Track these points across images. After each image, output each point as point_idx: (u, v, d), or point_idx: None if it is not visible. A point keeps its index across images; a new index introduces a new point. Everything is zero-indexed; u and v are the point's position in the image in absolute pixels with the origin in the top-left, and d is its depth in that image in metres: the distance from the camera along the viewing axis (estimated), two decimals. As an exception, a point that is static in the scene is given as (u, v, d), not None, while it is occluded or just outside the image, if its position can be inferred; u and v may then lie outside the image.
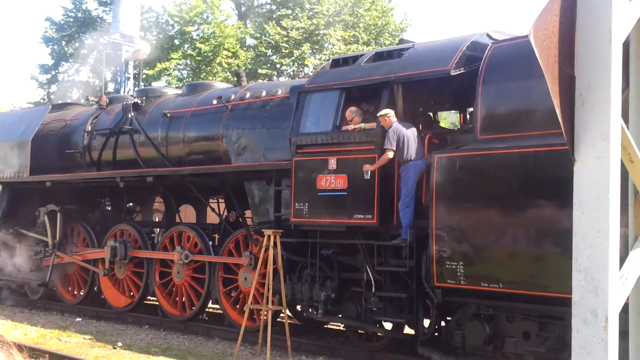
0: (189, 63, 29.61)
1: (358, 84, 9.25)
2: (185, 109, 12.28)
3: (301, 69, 28.55)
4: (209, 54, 27.75)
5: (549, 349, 7.52)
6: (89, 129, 13.92)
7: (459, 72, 8.36)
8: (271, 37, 27.47)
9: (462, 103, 8.73)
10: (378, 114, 8.71)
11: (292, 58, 27.56)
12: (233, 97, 11.54)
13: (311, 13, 27.81)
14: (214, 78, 26.79)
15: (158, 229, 13.53)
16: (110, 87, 29.59)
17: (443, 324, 8.84)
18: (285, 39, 26.94)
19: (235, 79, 13.60)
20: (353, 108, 9.17)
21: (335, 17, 27.43)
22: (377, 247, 8.93)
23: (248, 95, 11.34)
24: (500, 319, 8.02)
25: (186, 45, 28.96)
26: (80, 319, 12.71)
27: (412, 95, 8.86)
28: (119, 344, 10.33)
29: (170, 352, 9.89)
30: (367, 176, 8.73)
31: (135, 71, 22.44)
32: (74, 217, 14.11)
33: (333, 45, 27.35)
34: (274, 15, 28.73)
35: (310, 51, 27.61)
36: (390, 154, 8.53)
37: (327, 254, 9.43)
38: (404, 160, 8.52)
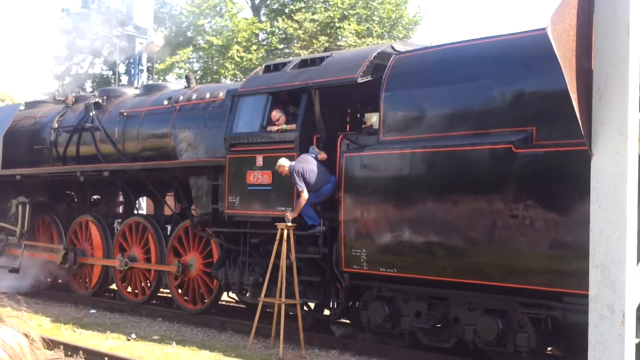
0: (201, 55, 29.55)
1: (282, 89, 10.23)
2: (140, 108, 13.27)
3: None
4: (221, 48, 27.49)
5: (433, 326, 8.54)
6: (56, 126, 14.91)
7: (366, 80, 9.33)
8: (283, 30, 27.45)
9: (370, 107, 9.67)
10: (277, 166, 9.58)
11: (310, 50, 27.09)
12: (181, 98, 12.53)
13: (326, 5, 27.65)
14: (225, 72, 26.99)
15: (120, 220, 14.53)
16: (124, 80, 29.51)
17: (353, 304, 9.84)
18: (299, 31, 26.83)
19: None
20: (278, 110, 10.15)
21: (350, 10, 27.30)
22: (297, 236, 9.91)
23: (194, 96, 12.33)
24: (398, 300, 9.03)
25: (199, 38, 28.77)
26: (94, 311, 12.78)
27: (327, 99, 9.82)
28: (133, 335, 10.32)
29: (183, 344, 9.86)
30: (289, 222, 9.54)
31: (148, 64, 22.67)
32: (43, 208, 15.11)
33: (347, 38, 27.30)
34: (286, 9, 28.72)
35: (327, 44, 27.25)
36: (305, 194, 9.42)
37: (255, 242, 10.42)
38: (315, 190, 9.44)
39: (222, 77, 26.26)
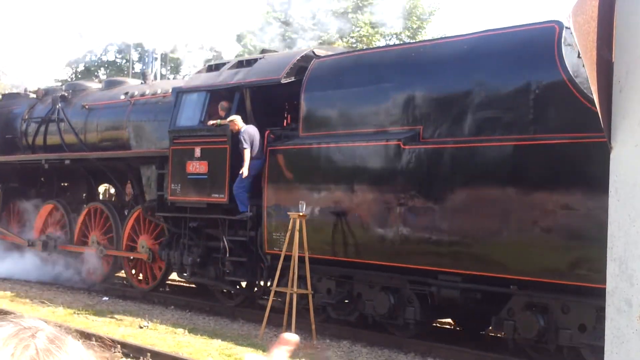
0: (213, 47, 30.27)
1: (219, 87, 11.26)
2: (101, 102, 14.31)
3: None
4: (235, 37, 27.88)
5: (339, 301, 9.60)
6: (26, 117, 15.95)
7: (289, 81, 10.35)
8: (297, 21, 27.46)
9: (293, 106, 10.67)
10: (227, 119, 10.65)
11: (320, 41, 27.15)
12: (136, 93, 13.56)
13: None
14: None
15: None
16: (137, 67, 28.71)
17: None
18: (313, 21, 26.93)
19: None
20: (224, 103, 11.13)
21: (364, 1, 27.39)
22: (229, 221, 10.96)
23: (147, 91, 13.37)
24: (313, 279, 10.07)
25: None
26: (107, 298, 12.77)
27: (257, 97, 10.85)
28: (145, 323, 10.35)
29: (195, 332, 9.91)
30: (245, 175, 10.53)
31: (162, 53, 22.75)
32: (15, 194, 16.15)
33: (360, 28, 27.42)
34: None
35: (338, 35, 27.45)
36: (248, 152, 10.46)
37: (193, 226, 11.48)
38: (251, 157, 10.48)
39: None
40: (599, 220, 6.85)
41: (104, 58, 34.06)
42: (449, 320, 10.40)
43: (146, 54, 23.14)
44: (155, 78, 24.93)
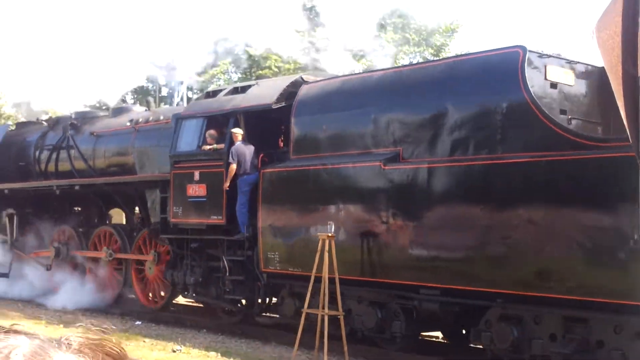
0: (239, 66, 29.93)
1: (214, 114, 11.79)
2: (108, 129, 14.92)
3: (351, 71, 28.73)
4: (259, 58, 27.52)
5: (331, 317, 10.02)
6: (38, 145, 16.62)
7: (280, 106, 10.85)
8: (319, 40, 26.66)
9: (284, 129, 11.17)
10: (231, 130, 11.18)
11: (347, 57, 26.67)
12: (141, 119, 14.15)
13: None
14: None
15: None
16: (164, 91, 28.90)
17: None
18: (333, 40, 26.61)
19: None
20: (212, 131, 11.69)
21: (388, 20, 27.34)
22: (228, 241, 11.45)
23: (151, 118, 13.95)
24: (305, 295, 10.52)
25: (237, 49, 28.34)
26: (140, 322, 12.81)
27: (250, 122, 11.36)
28: (178, 347, 10.41)
29: (228, 355, 9.91)
30: (227, 188, 11.15)
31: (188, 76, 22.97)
32: (30, 219, 16.80)
33: (383, 47, 27.03)
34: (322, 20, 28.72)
35: (360, 53, 27.18)
36: (234, 166, 11.00)
37: (194, 246, 11.99)
38: (240, 174, 11.03)
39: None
40: (562, 234, 7.27)
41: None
42: (438, 333, 10.78)
43: (172, 78, 23.62)
44: (182, 101, 25.50)
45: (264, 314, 11.82)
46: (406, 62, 29.02)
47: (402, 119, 9.17)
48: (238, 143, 11.13)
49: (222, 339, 11.22)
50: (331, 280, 9.90)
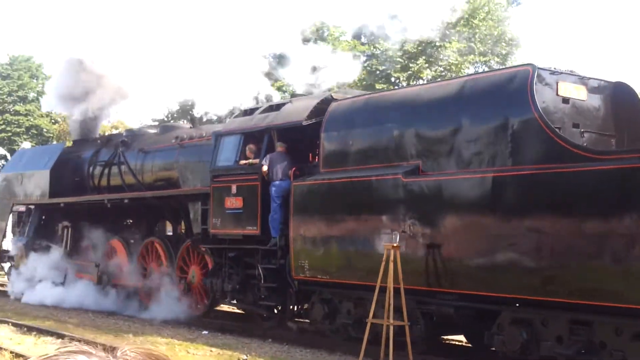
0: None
1: (251, 130, 12.54)
2: (155, 145, 15.86)
3: (416, 82, 27.95)
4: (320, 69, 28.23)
5: (356, 320, 10.60)
6: (92, 161, 17.69)
7: (310, 123, 11.52)
8: (383, 52, 27.64)
9: (315, 144, 11.81)
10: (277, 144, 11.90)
11: (408, 72, 27.53)
12: (185, 136, 15.03)
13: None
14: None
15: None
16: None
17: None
18: (399, 53, 27.15)
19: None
20: (251, 146, 12.43)
21: (451, 29, 27.38)
22: (262, 250, 12.13)
23: (194, 135, 14.81)
24: (334, 301, 11.12)
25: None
26: (206, 332, 12.95)
27: (283, 138, 12.06)
28: (244, 357, 10.49)
29: None
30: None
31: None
32: (83, 231, 17.83)
33: (448, 56, 27.42)
34: (386, 31, 29.98)
35: (426, 64, 27.64)
36: (264, 168, 11.75)
37: (232, 255, 12.72)
38: (272, 179, 11.71)
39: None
40: (564, 241, 7.74)
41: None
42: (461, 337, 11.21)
43: None
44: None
45: (296, 319, 12.40)
46: (471, 71, 28.72)
47: (421, 134, 9.73)
48: (275, 152, 11.83)
49: (287, 349, 11.32)
50: (358, 287, 10.48)
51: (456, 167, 9.20)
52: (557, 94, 8.97)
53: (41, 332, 12.76)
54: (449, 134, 9.38)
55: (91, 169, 17.67)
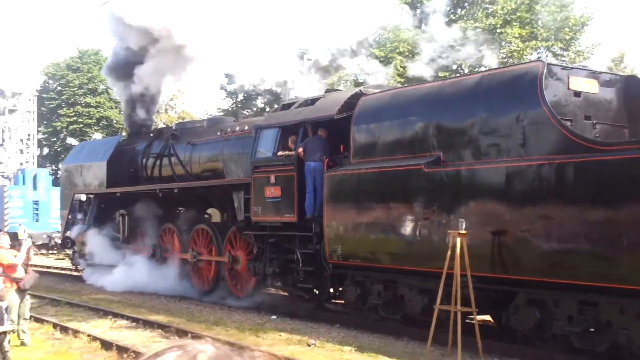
0: (363, 69, 29.22)
1: (288, 124, 13.32)
2: (202, 138, 16.81)
3: (479, 70, 27.74)
4: (383, 59, 27.26)
5: (387, 302, 11.33)
6: (145, 153, 18.79)
7: (341, 116, 12.22)
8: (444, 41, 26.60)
9: (346, 137, 12.49)
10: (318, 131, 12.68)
11: (473, 60, 26.72)
12: (229, 130, 15.91)
13: (488, 12, 27.61)
14: (387, 82, 26.82)
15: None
16: (292, 94, 30.59)
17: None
18: (460, 41, 26.56)
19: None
20: (293, 137, 13.19)
21: (512, 15, 27.15)
22: (300, 236, 12.93)
23: (237, 128, 15.68)
24: (366, 284, 11.87)
25: (362, 51, 28.42)
26: (275, 317, 13.23)
27: (317, 130, 12.79)
28: (313, 341, 10.73)
29: (362, 350, 10.16)
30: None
31: (317, 78, 23.01)
32: (139, 219, 18.98)
33: (510, 43, 27.22)
34: (447, 19, 28.48)
35: (488, 52, 26.73)
36: (300, 149, 12.55)
37: (272, 241, 13.57)
38: (305, 160, 12.47)
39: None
40: (571, 227, 8.30)
41: (261, 87, 35.98)
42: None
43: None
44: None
45: (332, 300, 13.20)
46: (534, 57, 28.41)
47: (441, 126, 10.34)
48: (313, 137, 12.57)
49: (355, 334, 11.47)
50: (387, 270, 11.19)
51: (474, 158, 9.78)
52: (569, 88, 9.45)
53: (116, 315, 13.56)
54: (467, 126, 9.96)
55: (144, 160, 18.78)
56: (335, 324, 12.22)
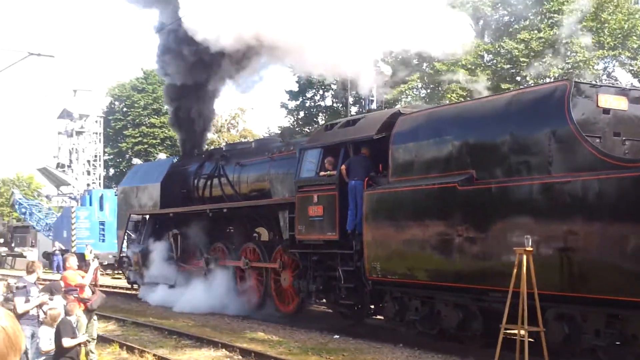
0: (427, 82, 30.07)
1: (329, 144, 13.78)
2: (250, 159, 17.43)
3: (543, 80, 27.67)
4: (446, 73, 27.33)
5: (423, 317, 11.60)
6: (197, 174, 19.51)
7: (380, 136, 12.62)
8: (508, 50, 27.32)
9: (385, 155, 12.86)
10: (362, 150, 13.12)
11: (536, 70, 26.95)
12: (276, 150, 16.48)
13: (551, 22, 27.38)
14: (451, 96, 27.33)
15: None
16: (353, 110, 29.54)
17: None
18: (524, 52, 26.88)
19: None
20: (330, 159, 13.67)
21: (577, 24, 26.55)
22: (341, 254, 13.33)
23: (283, 149, 16.23)
24: (404, 299, 12.16)
25: (424, 65, 29.09)
26: (338, 336, 13.22)
27: (358, 151, 13.21)
28: None
29: None
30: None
31: (377, 93, 23.27)
32: (190, 238, 19.67)
33: (576, 53, 26.98)
34: (510, 29, 28.63)
35: (553, 62, 26.87)
36: (343, 167, 13.01)
37: (315, 259, 13.99)
38: (348, 179, 12.89)
39: (447, 102, 25.72)
40: (598, 242, 8.50)
41: (322, 104, 35.92)
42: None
43: (362, 97, 24.67)
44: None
45: (372, 316, 13.51)
46: (600, 67, 28.38)
47: (474, 145, 10.63)
48: (356, 156, 13.00)
49: (419, 354, 11.41)
50: (423, 286, 11.47)
51: (504, 175, 10.04)
52: (597, 106, 9.65)
53: (181, 335, 13.77)
54: (498, 145, 10.24)
55: (196, 181, 19.50)
56: (398, 343, 12.10)
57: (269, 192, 16.34)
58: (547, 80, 27.49)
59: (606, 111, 9.74)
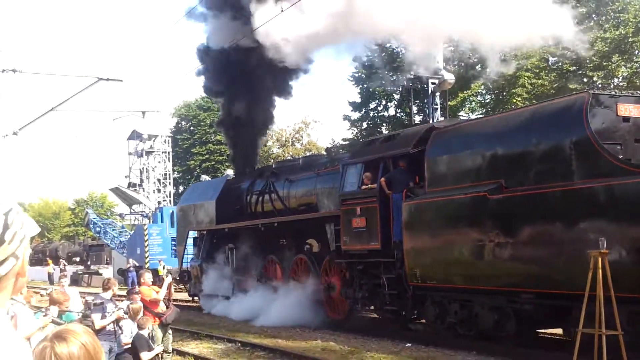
0: (491, 87, 29.90)
1: (370, 159, 14.58)
2: (298, 175, 18.36)
3: (611, 81, 27.69)
4: (511, 77, 27.15)
5: (463, 320, 12.24)
6: (249, 190, 20.55)
7: (416, 151, 13.36)
8: (574, 52, 26.47)
9: (421, 168, 13.57)
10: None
11: (603, 71, 26.65)
12: (321, 167, 17.36)
13: (617, 22, 27.01)
14: (516, 100, 27.21)
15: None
16: (417, 119, 29.45)
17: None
18: (590, 52, 26.22)
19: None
20: (368, 174, 14.46)
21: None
22: (384, 262, 14.07)
23: (328, 165, 17.10)
24: (444, 303, 12.83)
25: (487, 71, 28.51)
26: (410, 345, 13.17)
27: (396, 164, 13.98)
28: None
29: None
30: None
31: (440, 101, 23.41)
32: (245, 251, 20.66)
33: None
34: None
35: (622, 62, 26.65)
36: (383, 180, 13.78)
37: (360, 268, 14.77)
38: (390, 192, 13.65)
39: (512, 106, 25.44)
40: (621, 246, 9.07)
41: (385, 114, 36.29)
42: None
43: (425, 105, 24.89)
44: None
45: (416, 321, 14.19)
46: None
47: (502, 156, 11.29)
48: (395, 169, 13.78)
49: None
50: (461, 290, 12.12)
51: (531, 183, 10.67)
52: (617, 115, 10.21)
53: (254, 347, 13.88)
54: (524, 155, 10.88)
55: (248, 197, 20.54)
56: (472, 351, 11.99)
57: (316, 206, 17.21)
58: (615, 80, 27.49)
59: (626, 119, 10.28)
